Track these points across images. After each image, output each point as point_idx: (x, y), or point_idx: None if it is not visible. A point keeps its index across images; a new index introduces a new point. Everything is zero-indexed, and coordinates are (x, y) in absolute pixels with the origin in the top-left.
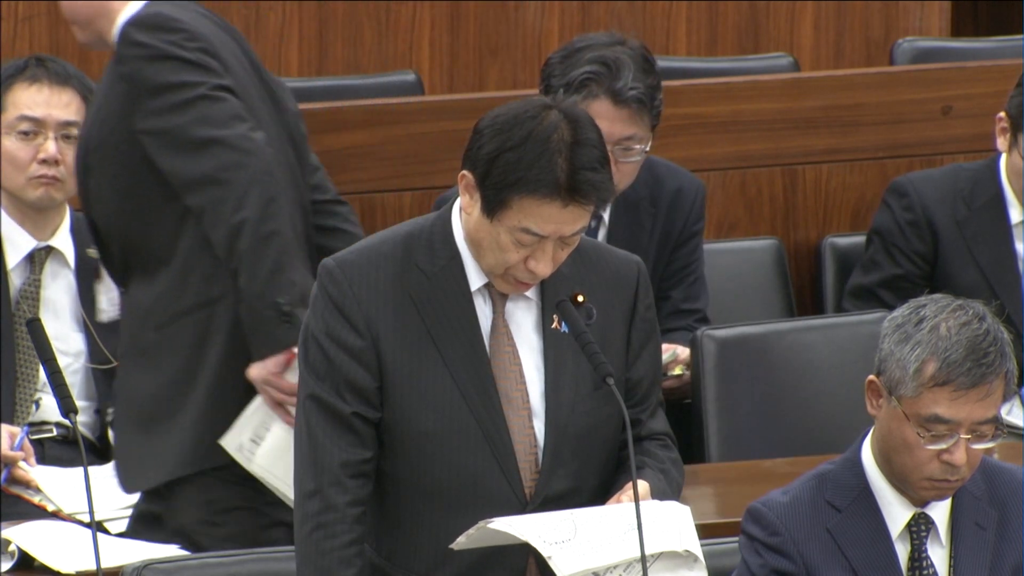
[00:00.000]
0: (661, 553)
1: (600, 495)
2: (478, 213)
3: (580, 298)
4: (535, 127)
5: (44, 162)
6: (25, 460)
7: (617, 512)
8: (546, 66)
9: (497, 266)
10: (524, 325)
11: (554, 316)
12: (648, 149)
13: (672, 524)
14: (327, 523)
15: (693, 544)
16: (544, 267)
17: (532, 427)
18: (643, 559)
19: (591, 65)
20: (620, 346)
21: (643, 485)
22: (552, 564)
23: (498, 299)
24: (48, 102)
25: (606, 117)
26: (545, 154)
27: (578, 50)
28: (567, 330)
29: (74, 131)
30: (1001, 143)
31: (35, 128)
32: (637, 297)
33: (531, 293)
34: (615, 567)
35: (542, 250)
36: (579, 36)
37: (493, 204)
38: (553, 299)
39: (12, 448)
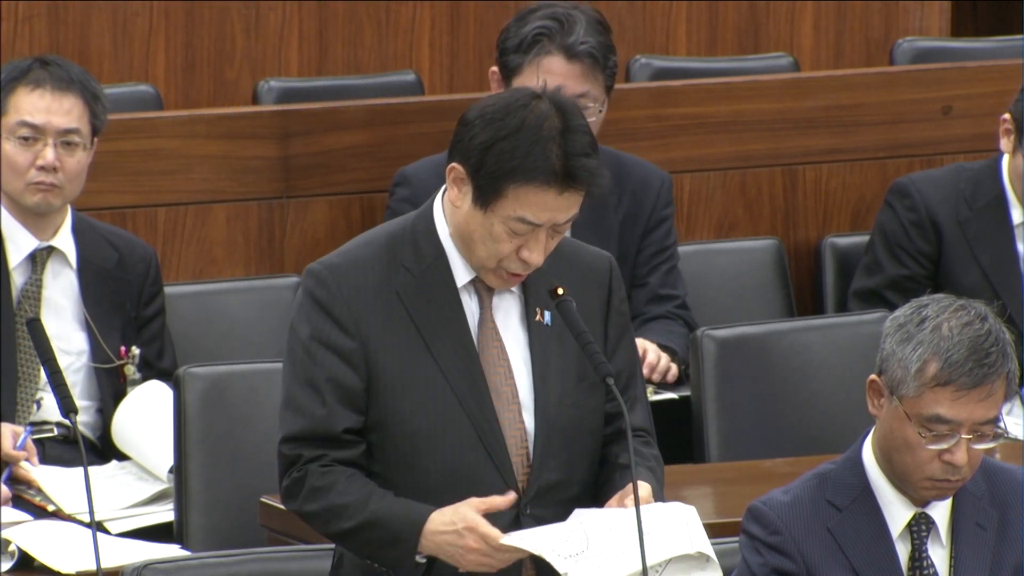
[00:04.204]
0: (672, 556)
1: (589, 486)
2: (469, 205)
3: (560, 291)
4: (527, 116)
5: (42, 169)
6: (28, 460)
7: (626, 518)
8: (502, 32)
9: (489, 259)
10: (510, 319)
11: (537, 309)
12: (603, 110)
13: (681, 526)
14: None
15: (704, 545)
16: (537, 256)
17: (522, 420)
18: (643, 559)
19: (543, 21)
20: (598, 340)
21: (645, 487)
22: None
23: (485, 294)
24: (49, 109)
25: (559, 73)
26: (539, 142)
27: (531, 11)
28: (550, 323)
29: (74, 138)
30: (1004, 144)
31: (34, 134)
32: (611, 290)
33: (514, 287)
34: None
35: (535, 239)
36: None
37: (488, 194)
38: (535, 292)
39: (15, 447)
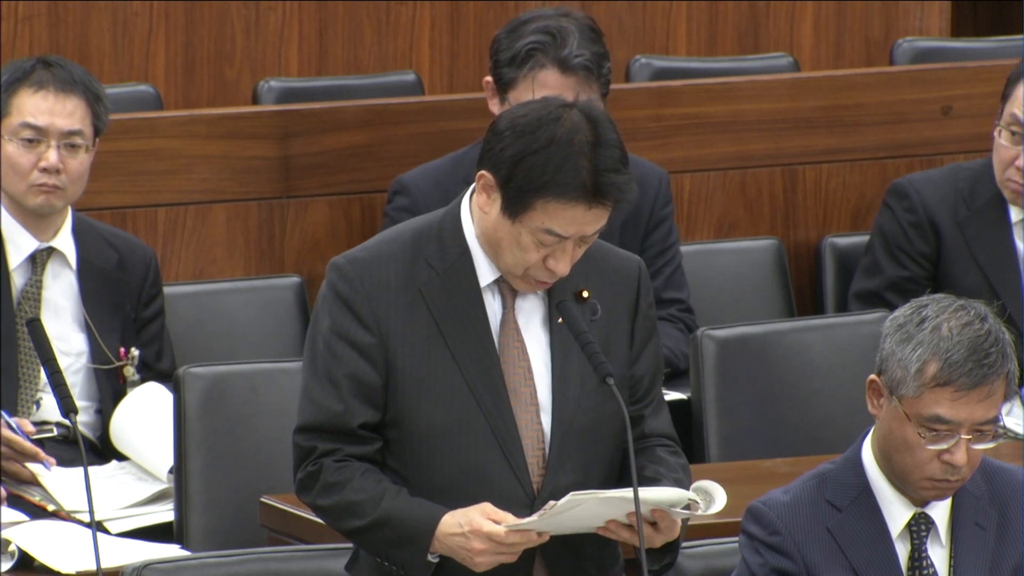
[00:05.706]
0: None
1: (605, 489)
2: (497, 213)
3: (585, 294)
4: (557, 129)
5: (45, 170)
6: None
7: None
8: (493, 43)
9: (516, 266)
10: (532, 321)
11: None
12: None
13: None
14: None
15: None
16: (564, 266)
17: (540, 422)
18: (641, 547)
19: (535, 35)
20: (624, 343)
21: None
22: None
23: (508, 295)
24: (52, 110)
25: (554, 86)
26: (570, 157)
27: (523, 23)
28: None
29: (77, 140)
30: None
31: (37, 136)
32: (639, 294)
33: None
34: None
35: (562, 250)
36: (525, 12)
37: (517, 206)
38: (560, 295)
39: (13, 430)
